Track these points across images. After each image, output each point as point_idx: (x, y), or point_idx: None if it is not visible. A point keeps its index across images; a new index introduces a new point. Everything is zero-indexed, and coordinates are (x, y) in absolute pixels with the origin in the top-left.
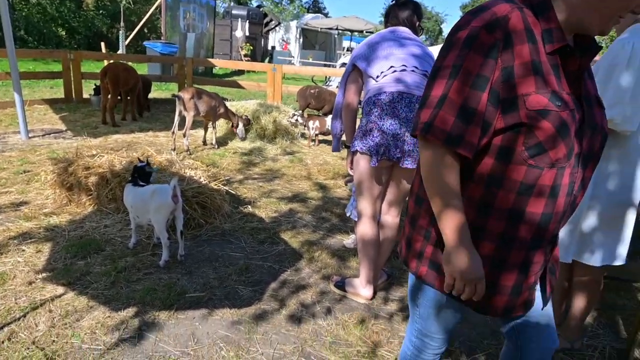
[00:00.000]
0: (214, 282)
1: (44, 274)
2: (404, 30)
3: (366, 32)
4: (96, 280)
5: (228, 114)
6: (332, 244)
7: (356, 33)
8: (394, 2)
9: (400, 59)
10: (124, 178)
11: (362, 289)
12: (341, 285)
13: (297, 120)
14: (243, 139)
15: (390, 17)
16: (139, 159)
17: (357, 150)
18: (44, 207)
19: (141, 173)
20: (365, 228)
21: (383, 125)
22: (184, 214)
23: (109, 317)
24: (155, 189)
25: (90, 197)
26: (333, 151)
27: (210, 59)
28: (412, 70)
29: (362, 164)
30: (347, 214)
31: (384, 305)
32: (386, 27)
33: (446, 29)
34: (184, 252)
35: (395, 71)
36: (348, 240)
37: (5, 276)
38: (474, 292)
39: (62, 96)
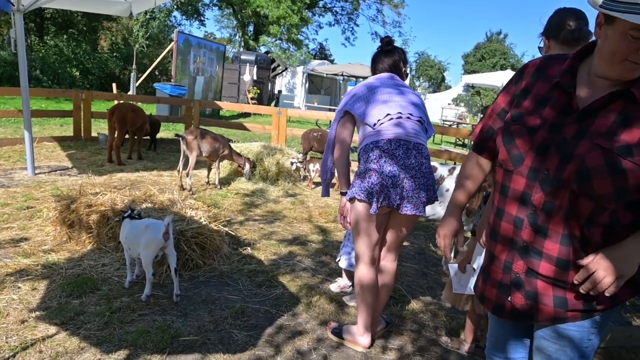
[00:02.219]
0: (209, 326)
1: (37, 313)
2: (398, 78)
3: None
4: (89, 320)
5: (232, 156)
6: (331, 289)
7: (361, 79)
8: (379, 48)
9: (398, 106)
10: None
11: (360, 337)
12: (339, 332)
13: (296, 167)
14: (249, 179)
15: (377, 63)
16: (121, 210)
17: (354, 197)
18: (44, 244)
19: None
20: (363, 273)
21: (382, 171)
22: (182, 253)
23: (100, 359)
24: (148, 223)
25: (90, 235)
26: (323, 196)
27: (217, 102)
28: (408, 117)
29: (360, 210)
30: (337, 260)
31: (382, 354)
32: (373, 72)
33: (448, 76)
34: (179, 292)
35: (392, 118)
36: (334, 284)
37: None
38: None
39: (71, 134)
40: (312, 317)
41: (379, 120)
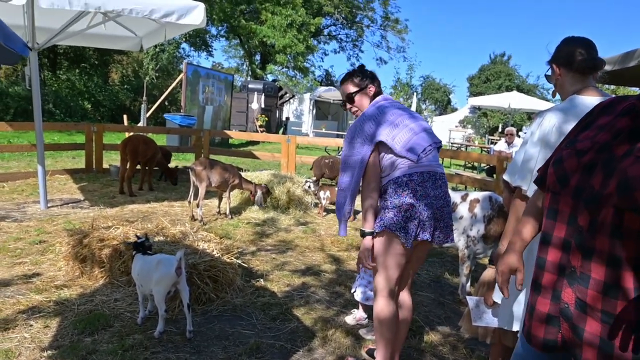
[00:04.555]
0: None
1: (49, 352)
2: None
3: None
4: (102, 359)
5: (243, 185)
6: (347, 322)
7: None
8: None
9: (426, 137)
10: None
11: None
12: None
13: (309, 187)
14: (261, 205)
15: (374, 81)
16: (136, 235)
17: (385, 230)
18: (56, 280)
19: (142, 247)
20: (383, 308)
21: (418, 206)
22: (195, 287)
23: None
24: (160, 259)
25: (102, 269)
26: (341, 235)
27: (226, 131)
28: (430, 146)
29: (389, 244)
30: (352, 291)
31: None
32: (369, 87)
33: (454, 99)
34: (192, 328)
35: (424, 150)
36: (349, 317)
37: (10, 354)
38: None
39: (83, 166)
40: (328, 352)
41: (414, 152)
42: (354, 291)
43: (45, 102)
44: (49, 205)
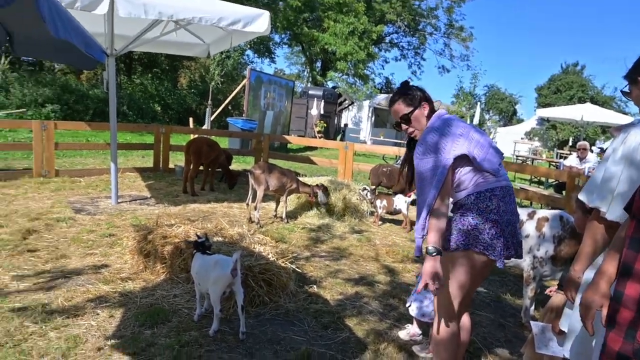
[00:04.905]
0: None
1: (112, 341)
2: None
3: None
4: (160, 353)
5: (300, 188)
6: (400, 337)
7: None
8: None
9: (494, 152)
10: None
11: None
12: None
13: (366, 194)
14: (325, 203)
15: (426, 97)
16: (197, 235)
17: (469, 249)
18: (122, 272)
19: (202, 247)
20: (446, 330)
21: (502, 222)
22: (249, 289)
23: None
24: (217, 259)
25: (164, 265)
26: (416, 255)
27: (285, 136)
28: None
29: (471, 262)
30: (407, 305)
31: None
32: (423, 105)
33: (520, 110)
34: (245, 330)
35: (500, 164)
36: (403, 331)
37: (78, 339)
38: None
39: (151, 165)
40: None
41: (492, 165)
42: (409, 305)
43: (120, 104)
44: (119, 200)
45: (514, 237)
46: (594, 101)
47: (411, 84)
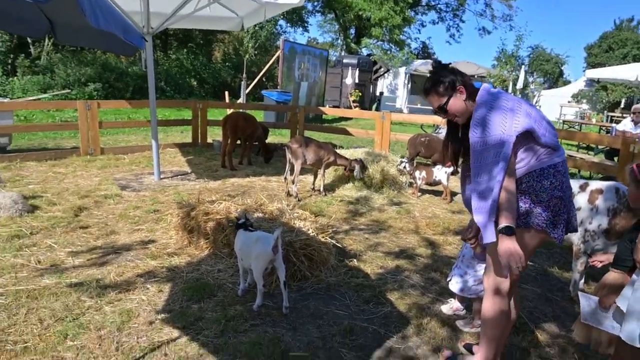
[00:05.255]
0: (317, 342)
1: (162, 315)
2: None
3: (478, 76)
4: (207, 327)
5: (338, 161)
6: (442, 311)
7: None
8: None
9: (550, 127)
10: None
11: None
12: None
13: (405, 167)
14: (360, 178)
15: (460, 77)
16: (236, 217)
17: (532, 227)
18: (168, 247)
19: (243, 226)
20: (500, 306)
21: (565, 197)
22: (290, 264)
23: None
24: (259, 236)
25: (207, 240)
26: (486, 243)
27: (320, 107)
28: None
29: (532, 239)
30: (447, 280)
31: None
32: (458, 89)
33: (567, 70)
34: (288, 304)
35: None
36: (445, 306)
37: (131, 313)
38: None
39: (190, 141)
40: (423, 341)
41: (554, 139)
42: (450, 280)
43: (158, 80)
44: (161, 176)
45: (572, 211)
46: None
47: (443, 64)
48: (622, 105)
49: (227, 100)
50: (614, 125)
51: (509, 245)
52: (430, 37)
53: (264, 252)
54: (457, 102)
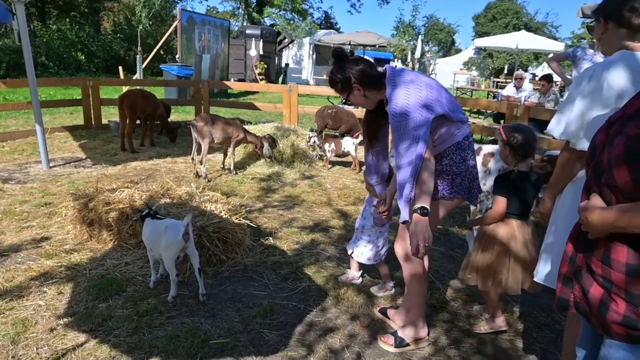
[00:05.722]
0: (238, 326)
1: (65, 319)
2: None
3: (379, 46)
4: (118, 325)
5: (248, 138)
6: (340, 281)
7: (369, 47)
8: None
9: (455, 101)
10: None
11: (422, 330)
12: (400, 341)
13: (314, 142)
14: (269, 157)
15: (358, 73)
16: (138, 210)
17: (455, 196)
18: (65, 243)
19: (149, 215)
20: (422, 268)
21: (474, 164)
22: (205, 250)
23: None
24: (168, 224)
25: (111, 232)
26: (402, 222)
27: (225, 82)
28: None
29: (452, 206)
30: (349, 252)
31: (417, 349)
32: (354, 87)
33: (458, 39)
34: (204, 291)
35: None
36: (342, 276)
37: (27, 322)
38: None
39: (82, 122)
40: (341, 311)
41: (460, 111)
42: (352, 252)
43: (38, 55)
44: (51, 165)
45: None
46: (528, 28)
47: (341, 56)
48: (505, 72)
49: (121, 76)
50: (499, 90)
51: (422, 226)
52: (332, 6)
53: (175, 241)
54: (355, 98)
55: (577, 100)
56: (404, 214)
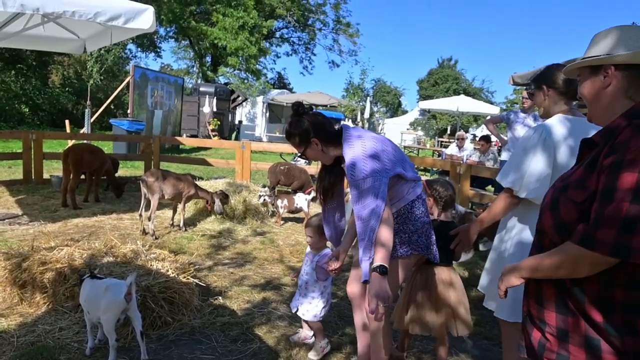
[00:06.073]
0: None
1: None
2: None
3: (330, 106)
4: None
5: (199, 194)
6: (292, 341)
7: (320, 107)
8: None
9: (408, 160)
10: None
11: None
12: None
13: (264, 200)
14: (220, 213)
15: (315, 130)
16: (79, 272)
17: (413, 254)
18: None
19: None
20: (387, 331)
21: (429, 221)
22: (149, 311)
23: None
24: (109, 284)
25: (45, 294)
26: (363, 282)
27: (177, 137)
28: None
29: (409, 265)
30: (293, 311)
31: None
32: (312, 142)
33: (404, 101)
34: (147, 357)
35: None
36: (294, 336)
37: None
38: None
39: (21, 177)
40: None
41: (413, 170)
42: (297, 310)
43: None
44: None
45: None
46: (466, 92)
47: (300, 111)
48: (448, 132)
49: (68, 129)
50: (443, 149)
51: (381, 285)
52: (285, 67)
53: (115, 302)
54: (313, 152)
55: (521, 156)
56: (365, 274)
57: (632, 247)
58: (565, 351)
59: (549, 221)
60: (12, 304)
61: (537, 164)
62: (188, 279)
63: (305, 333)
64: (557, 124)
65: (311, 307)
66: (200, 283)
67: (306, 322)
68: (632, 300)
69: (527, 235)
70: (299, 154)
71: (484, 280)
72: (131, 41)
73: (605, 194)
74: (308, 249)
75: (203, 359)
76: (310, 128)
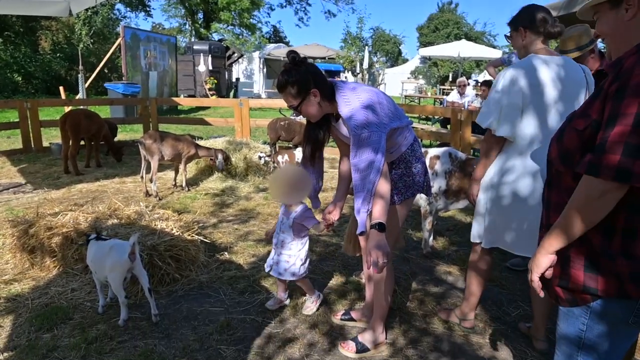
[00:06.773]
0: (194, 345)
1: (5, 354)
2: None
3: (328, 58)
4: (65, 355)
5: (200, 153)
6: (267, 307)
7: (318, 60)
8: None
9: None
10: None
11: (381, 335)
12: (362, 347)
13: (264, 161)
14: (222, 170)
15: (316, 80)
16: (85, 234)
17: (414, 195)
18: (4, 274)
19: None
20: (388, 273)
21: (424, 160)
22: (157, 269)
23: None
24: (113, 245)
25: (54, 258)
26: (361, 232)
27: (174, 98)
28: None
29: (409, 206)
30: (267, 270)
31: (375, 352)
32: (311, 93)
33: (405, 49)
34: (157, 312)
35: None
36: (270, 302)
37: None
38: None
39: (21, 146)
40: (300, 321)
41: (405, 116)
42: (269, 271)
43: None
44: None
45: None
46: (468, 37)
47: (298, 61)
48: (450, 79)
49: (63, 96)
50: (445, 97)
51: (379, 243)
52: (281, 20)
53: (120, 261)
54: (310, 104)
55: (495, 96)
56: (362, 224)
57: (633, 172)
58: (565, 276)
59: (555, 151)
60: (23, 269)
61: (508, 103)
62: (193, 236)
63: (280, 295)
64: (529, 63)
65: (289, 266)
66: (205, 240)
67: (281, 282)
68: (632, 226)
69: (514, 176)
70: (290, 107)
71: (476, 229)
72: (119, 0)
73: (609, 120)
74: (282, 206)
75: (212, 311)
76: (311, 77)
